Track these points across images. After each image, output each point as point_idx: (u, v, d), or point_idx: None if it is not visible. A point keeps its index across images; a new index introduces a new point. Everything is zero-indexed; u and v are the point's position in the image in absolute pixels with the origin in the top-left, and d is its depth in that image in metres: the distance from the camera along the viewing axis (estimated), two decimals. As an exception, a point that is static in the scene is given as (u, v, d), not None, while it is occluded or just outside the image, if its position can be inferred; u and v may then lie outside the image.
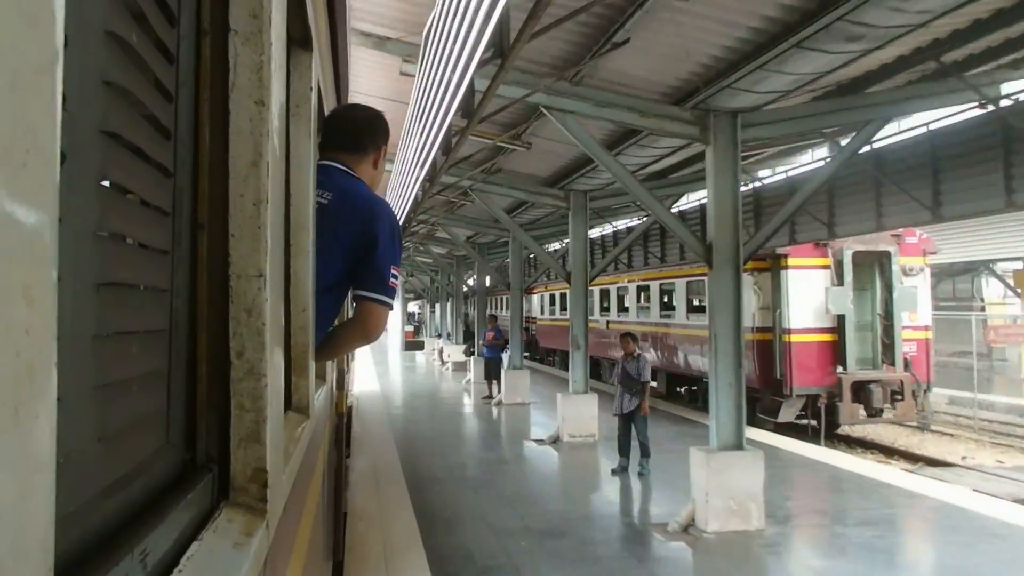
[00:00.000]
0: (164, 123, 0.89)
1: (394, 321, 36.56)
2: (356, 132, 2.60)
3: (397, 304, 25.57)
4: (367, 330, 2.33)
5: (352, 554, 6.73)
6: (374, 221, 2.33)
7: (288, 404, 1.84)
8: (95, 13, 0.67)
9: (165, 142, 0.90)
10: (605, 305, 23.22)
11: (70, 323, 0.61)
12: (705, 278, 9.47)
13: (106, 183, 0.74)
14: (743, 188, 11.71)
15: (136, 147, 0.79)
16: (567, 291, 15.34)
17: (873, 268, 15.15)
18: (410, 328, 56.51)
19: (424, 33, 5.82)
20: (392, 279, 2.32)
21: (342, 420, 7.05)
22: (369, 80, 10.68)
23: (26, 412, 0.40)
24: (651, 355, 18.28)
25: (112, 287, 0.74)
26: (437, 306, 39.71)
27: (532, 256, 39.34)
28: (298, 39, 1.97)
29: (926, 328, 15.20)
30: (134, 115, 0.78)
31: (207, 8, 1.03)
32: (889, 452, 15.28)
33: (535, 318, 31.60)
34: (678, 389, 19.21)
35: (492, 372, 19.64)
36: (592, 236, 21.08)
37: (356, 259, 2.31)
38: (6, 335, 0.38)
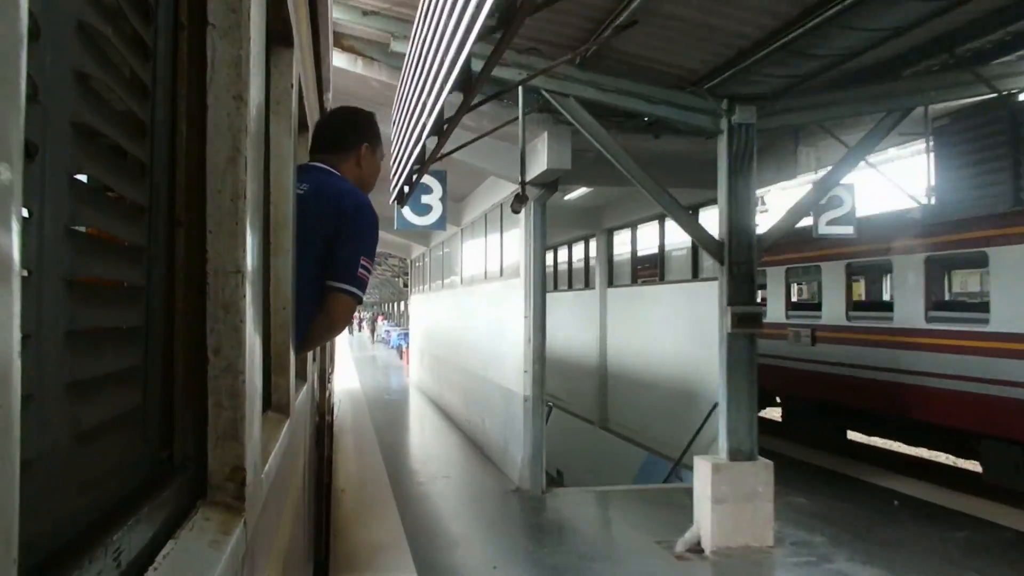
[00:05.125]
0: (140, 117, 0.88)
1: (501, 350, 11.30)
2: (336, 131, 2.66)
3: (519, 298, 9.46)
4: (332, 321, 2.35)
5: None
6: (343, 210, 2.34)
7: (268, 403, 1.83)
8: (68, 4, 0.66)
9: (141, 137, 0.89)
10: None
11: (42, 319, 0.61)
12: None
13: (81, 177, 0.73)
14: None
15: (111, 141, 0.78)
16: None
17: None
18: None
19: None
20: (362, 270, 2.32)
21: (324, 420, 7.03)
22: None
23: None
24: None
25: (86, 283, 0.74)
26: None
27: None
28: (278, 35, 1.95)
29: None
30: (109, 109, 0.77)
31: (184, 2, 1.02)
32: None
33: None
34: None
35: None
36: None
37: (327, 247, 2.32)
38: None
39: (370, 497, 9.07)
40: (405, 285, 34.62)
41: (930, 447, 12.22)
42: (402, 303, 53.20)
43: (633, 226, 14.29)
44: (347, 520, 8.05)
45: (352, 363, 30.67)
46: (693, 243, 11.04)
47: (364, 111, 2.75)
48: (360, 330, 62.22)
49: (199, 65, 1.03)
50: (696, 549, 7.16)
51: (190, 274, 1.01)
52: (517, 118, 7.58)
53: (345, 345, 41.29)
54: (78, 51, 0.68)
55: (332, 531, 7.29)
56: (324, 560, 6.30)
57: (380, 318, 63.27)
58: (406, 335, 31.59)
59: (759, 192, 10.53)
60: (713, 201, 9.07)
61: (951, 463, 12.51)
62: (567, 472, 13.61)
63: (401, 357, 31.63)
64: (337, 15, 7.28)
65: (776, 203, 16.06)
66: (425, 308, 21.30)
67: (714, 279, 8.03)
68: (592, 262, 16.02)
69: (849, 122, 9.40)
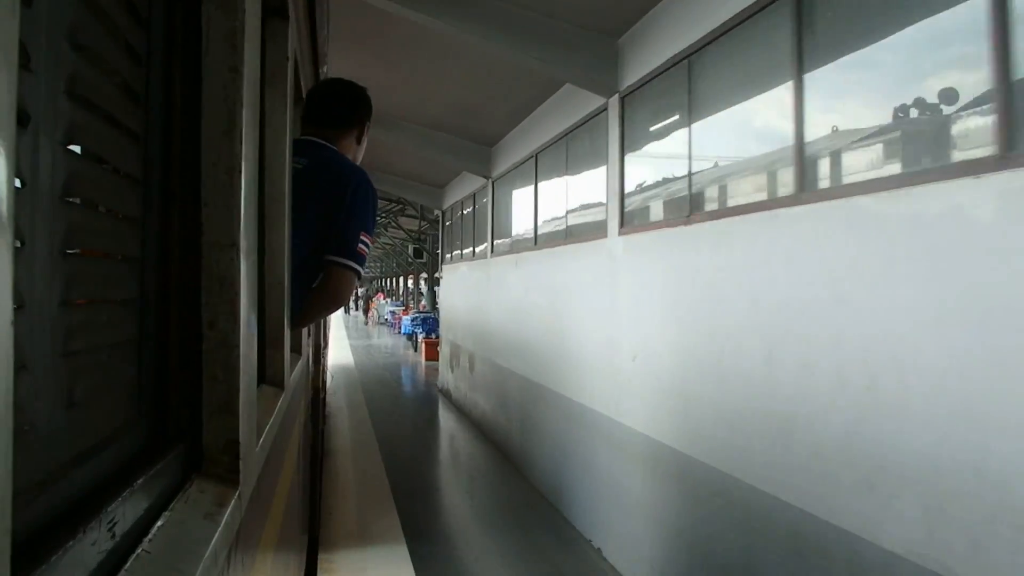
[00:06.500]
0: (134, 88, 0.87)
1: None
2: (339, 108, 2.61)
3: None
4: (332, 296, 2.35)
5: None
6: (344, 185, 2.34)
7: (262, 376, 1.83)
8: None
9: (135, 107, 0.88)
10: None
11: (35, 290, 0.60)
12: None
13: (74, 147, 0.72)
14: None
15: (105, 111, 0.77)
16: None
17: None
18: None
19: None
20: (361, 245, 2.33)
21: (318, 395, 7.04)
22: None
23: None
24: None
25: (79, 255, 0.73)
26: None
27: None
28: (274, 8, 1.93)
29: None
30: (103, 79, 0.77)
31: (179, -29, 1.01)
32: None
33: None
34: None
35: None
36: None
37: (327, 223, 2.31)
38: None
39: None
40: (417, 254, 26.60)
41: None
42: (408, 279, 43.50)
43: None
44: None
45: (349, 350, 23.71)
46: None
47: (360, 86, 2.70)
48: (357, 309, 52.97)
49: (194, 36, 1.02)
50: None
51: (185, 247, 1.00)
52: None
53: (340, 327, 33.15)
54: (72, 19, 0.67)
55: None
56: (317, 533, 6.34)
57: (380, 295, 51.41)
58: (425, 320, 22.53)
59: None
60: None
61: None
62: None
63: (416, 349, 22.72)
64: None
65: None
66: (473, 286, 12.91)
67: None
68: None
69: None
